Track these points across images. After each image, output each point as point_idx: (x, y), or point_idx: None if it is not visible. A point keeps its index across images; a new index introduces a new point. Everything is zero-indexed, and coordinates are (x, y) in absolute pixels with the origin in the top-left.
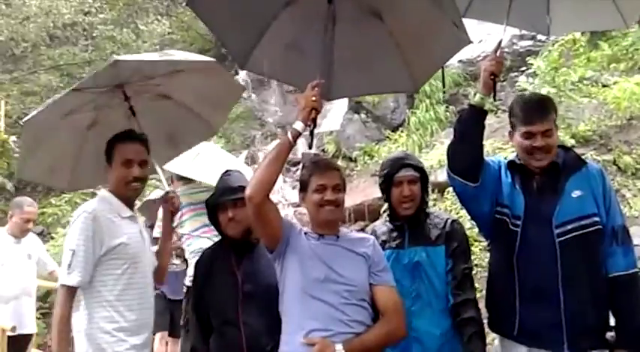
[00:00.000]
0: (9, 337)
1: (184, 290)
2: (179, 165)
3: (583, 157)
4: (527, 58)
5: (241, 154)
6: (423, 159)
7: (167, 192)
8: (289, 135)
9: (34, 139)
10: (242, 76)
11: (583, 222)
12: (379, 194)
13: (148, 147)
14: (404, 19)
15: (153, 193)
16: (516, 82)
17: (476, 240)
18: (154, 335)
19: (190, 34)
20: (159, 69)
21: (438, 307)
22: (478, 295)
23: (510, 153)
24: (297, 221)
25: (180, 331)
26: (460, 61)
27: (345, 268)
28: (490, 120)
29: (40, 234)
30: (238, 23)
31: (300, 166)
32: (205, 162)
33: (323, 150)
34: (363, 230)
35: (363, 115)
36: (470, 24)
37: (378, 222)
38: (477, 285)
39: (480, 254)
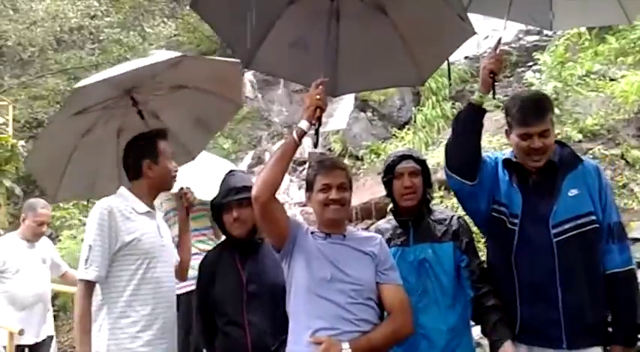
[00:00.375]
0: (30, 347)
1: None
2: None
3: (591, 152)
4: (534, 52)
5: (248, 154)
6: (429, 156)
7: (181, 188)
8: (294, 134)
9: (59, 164)
10: (248, 76)
11: (580, 221)
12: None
13: None
14: (408, 12)
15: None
16: (523, 77)
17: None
18: None
19: (197, 36)
20: (158, 67)
21: (445, 303)
22: None
23: None
24: (304, 220)
25: None
26: (466, 58)
27: (352, 267)
28: (497, 117)
29: (49, 237)
30: (242, 23)
31: (307, 165)
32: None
33: (329, 149)
34: (368, 228)
35: (369, 113)
36: (475, 20)
37: (381, 221)
38: None
39: (484, 249)
